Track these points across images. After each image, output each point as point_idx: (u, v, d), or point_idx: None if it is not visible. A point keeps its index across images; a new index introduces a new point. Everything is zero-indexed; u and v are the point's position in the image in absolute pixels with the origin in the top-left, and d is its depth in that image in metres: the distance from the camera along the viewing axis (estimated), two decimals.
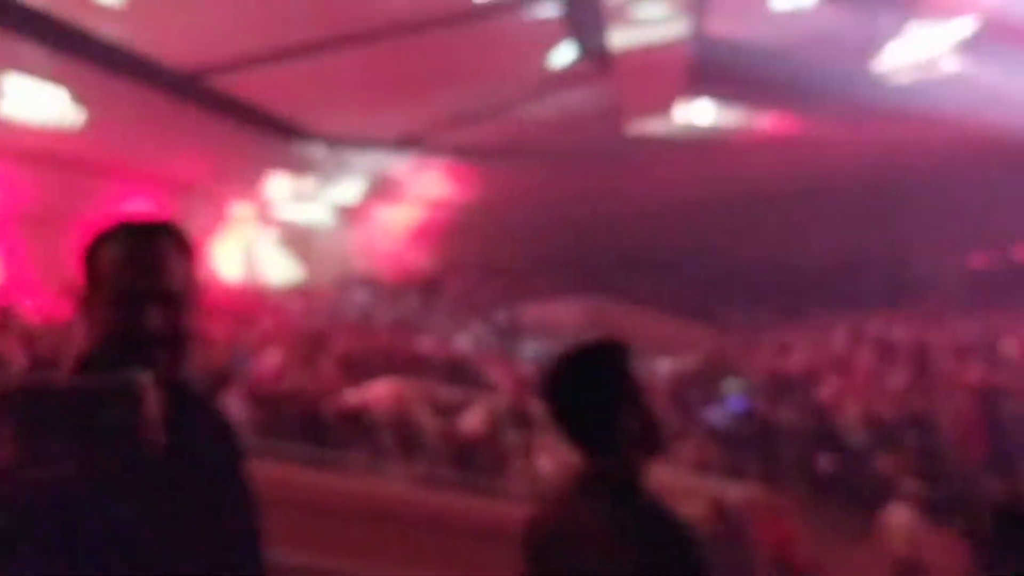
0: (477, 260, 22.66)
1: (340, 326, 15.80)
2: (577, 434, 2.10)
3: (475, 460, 9.57)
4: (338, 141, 19.02)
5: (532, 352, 16.92)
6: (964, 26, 15.70)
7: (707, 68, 16.26)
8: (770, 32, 15.78)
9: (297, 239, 20.67)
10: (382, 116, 17.54)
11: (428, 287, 21.37)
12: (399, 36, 13.88)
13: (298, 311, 17.24)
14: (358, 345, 13.90)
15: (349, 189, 21.13)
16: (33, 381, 1.43)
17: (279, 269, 20.15)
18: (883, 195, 20.59)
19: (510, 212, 21.32)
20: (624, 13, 15.12)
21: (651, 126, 19.11)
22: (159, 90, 13.66)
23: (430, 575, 7.38)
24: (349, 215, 21.84)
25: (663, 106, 18.36)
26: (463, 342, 16.62)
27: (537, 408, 9.43)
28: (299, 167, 19.35)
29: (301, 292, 19.21)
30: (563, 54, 15.98)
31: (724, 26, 16.02)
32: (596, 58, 16.10)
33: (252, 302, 16.70)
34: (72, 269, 1.70)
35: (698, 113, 18.51)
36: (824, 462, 11.27)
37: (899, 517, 8.72)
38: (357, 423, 9.68)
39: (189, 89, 14.16)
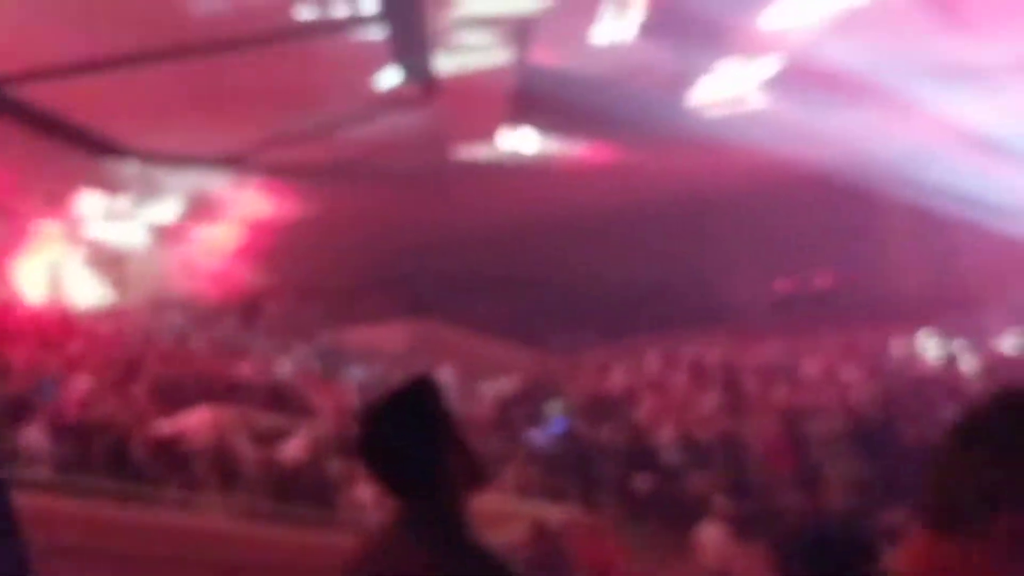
0: (300, 282, 22.22)
1: (153, 350, 15.13)
2: (397, 479, 2.06)
3: (297, 491, 9.34)
4: (155, 158, 18.32)
5: (357, 376, 16.72)
6: (770, 65, 16.69)
7: (530, 96, 16.62)
8: (591, 64, 16.29)
9: (109, 259, 19.75)
10: (202, 133, 17.00)
11: (248, 309, 20.78)
12: (219, 51, 13.52)
13: (108, 335, 16.42)
14: (172, 370, 13.35)
15: (166, 208, 20.38)
16: None
17: (88, 290, 19.17)
18: (696, 223, 21.53)
19: (335, 233, 21.04)
20: (449, 39, 15.27)
21: (476, 152, 19.32)
22: None
23: None
24: (165, 235, 21.03)
25: (487, 132, 18.61)
26: (285, 366, 16.25)
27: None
28: (112, 184, 18.53)
29: (112, 314, 18.33)
30: (389, 77, 15.97)
31: (547, 56, 16.44)
32: (421, 82, 16.18)
33: (58, 325, 15.80)
34: None
35: (521, 140, 18.86)
36: (640, 481, 11.61)
37: (710, 534, 9.08)
38: (171, 454, 9.28)
39: None
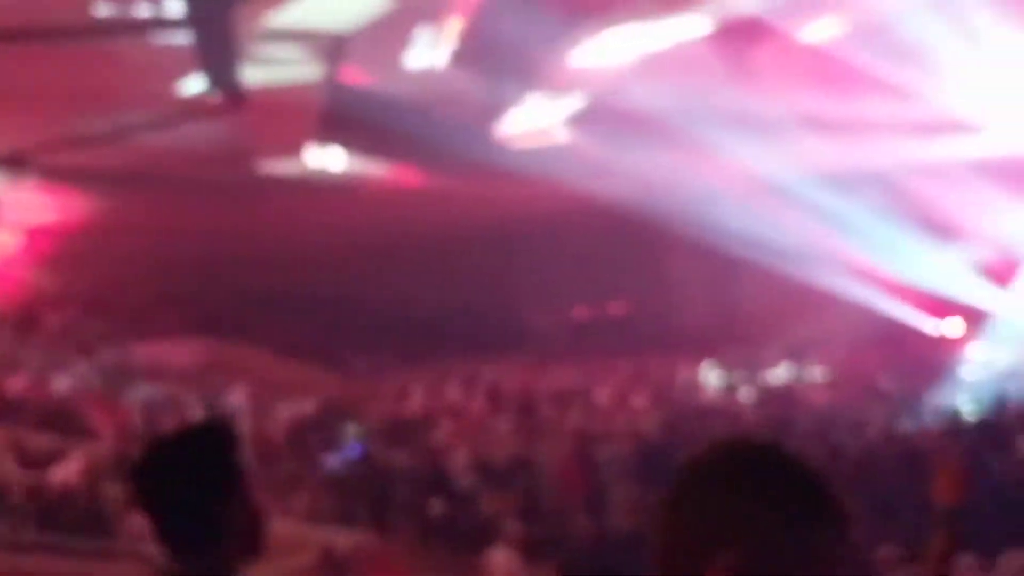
0: (84, 292, 20.98)
1: None
2: (170, 531, 1.87)
3: (69, 518, 8.72)
4: None
5: (142, 395, 15.93)
6: (576, 102, 17.27)
7: (339, 115, 16.45)
8: (402, 87, 16.32)
9: None
10: None
11: (23, 321, 19.43)
12: (5, 42, 12.66)
13: None
14: None
15: None
16: None
17: None
18: (499, 250, 21.90)
19: (124, 244, 20.02)
20: (259, 50, 14.92)
21: (281, 167, 18.90)
22: None
23: None
24: None
25: (293, 148, 18.25)
26: (62, 383, 15.30)
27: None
28: None
29: None
30: (193, 84, 15.41)
31: (358, 76, 16.34)
32: (227, 92, 15.69)
33: None
34: None
35: (328, 158, 18.61)
36: (434, 505, 11.61)
37: (500, 558, 9.16)
38: None
39: None
